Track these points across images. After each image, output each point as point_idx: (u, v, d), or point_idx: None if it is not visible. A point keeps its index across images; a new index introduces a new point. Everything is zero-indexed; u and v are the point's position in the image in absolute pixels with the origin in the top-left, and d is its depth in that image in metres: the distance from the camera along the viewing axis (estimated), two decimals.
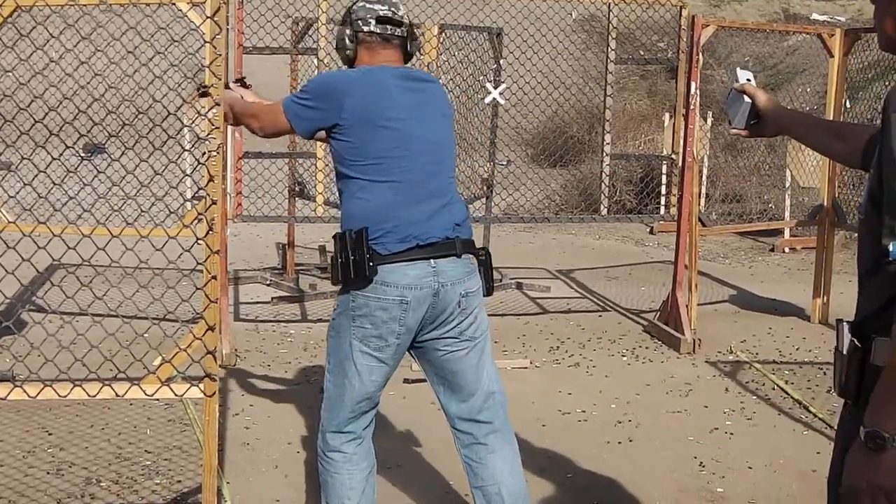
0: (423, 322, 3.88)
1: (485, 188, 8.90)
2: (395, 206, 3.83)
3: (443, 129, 4.03)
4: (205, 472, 4.01)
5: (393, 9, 4.08)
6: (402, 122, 3.90)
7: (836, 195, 8.68)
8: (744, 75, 3.37)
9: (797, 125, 3.29)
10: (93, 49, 4.18)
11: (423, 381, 5.86)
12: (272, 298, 8.90)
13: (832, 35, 8.48)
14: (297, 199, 9.39)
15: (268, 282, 9.55)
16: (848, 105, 8.55)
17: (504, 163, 10.13)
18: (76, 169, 4.13)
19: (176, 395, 4.00)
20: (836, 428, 2.67)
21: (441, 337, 3.93)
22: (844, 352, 2.48)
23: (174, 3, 5.09)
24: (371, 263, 3.75)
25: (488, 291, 4.08)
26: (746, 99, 3.30)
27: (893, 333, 2.29)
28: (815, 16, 21.51)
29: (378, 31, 4.05)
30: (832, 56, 8.45)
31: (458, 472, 4.83)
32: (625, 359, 7.48)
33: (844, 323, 2.50)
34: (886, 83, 9.09)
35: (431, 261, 3.83)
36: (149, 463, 5.27)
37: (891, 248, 2.29)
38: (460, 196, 4.13)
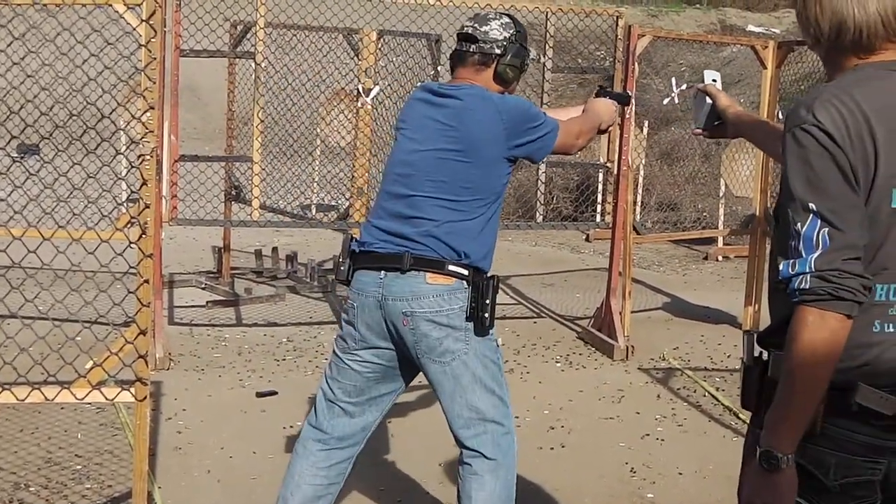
0: (391, 335, 3.89)
1: None
2: (372, 211, 4.05)
3: (432, 142, 3.90)
4: (135, 476, 3.98)
5: (476, 24, 4.03)
6: (401, 133, 4.05)
7: (769, 205, 8.79)
8: (710, 76, 3.38)
9: (754, 130, 3.33)
10: (26, 49, 4.14)
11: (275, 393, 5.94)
12: (207, 302, 8.85)
13: (766, 47, 8.60)
14: (233, 202, 9.35)
15: (203, 285, 9.49)
16: (780, 116, 8.65)
17: None
18: (8, 170, 4.09)
19: (107, 399, 3.97)
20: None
21: (416, 351, 3.88)
22: (747, 363, 2.55)
23: (111, 5, 5.05)
24: (342, 267, 3.98)
25: (471, 317, 3.84)
26: (708, 100, 3.33)
27: (785, 354, 2.35)
28: (750, 27, 21.78)
29: (455, 48, 4.08)
30: (765, 68, 8.56)
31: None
32: (558, 365, 7.53)
33: (747, 335, 2.57)
34: None
35: (382, 272, 3.85)
36: (79, 467, 5.22)
37: (781, 266, 2.35)
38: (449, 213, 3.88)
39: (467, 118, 3.89)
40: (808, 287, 2.28)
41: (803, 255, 2.30)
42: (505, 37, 4.00)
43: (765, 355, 2.52)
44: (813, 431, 2.38)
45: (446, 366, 3.86)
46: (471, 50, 4.01)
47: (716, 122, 3.35)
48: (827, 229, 2.28)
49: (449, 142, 3.89)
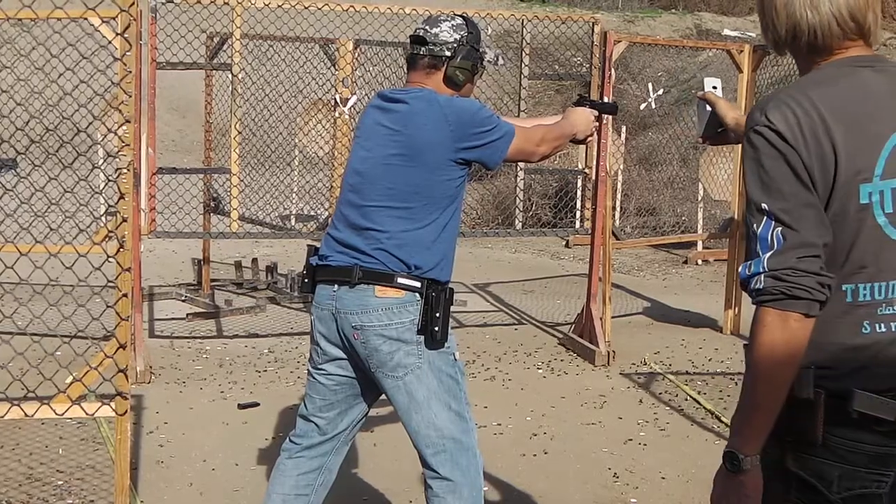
0: (346, 348, 3.86)
1: None
2: (332, 221, 3.98)
3: (380, 149, 3.84)
4: (117, 491, 3.98)
5: (427, 26, 3.94)
6: (355, 141, 4.01)
7: None
8: (710, 83, 3.35)
9: None
10: (1, 65, 4.13)
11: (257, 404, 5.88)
12: (187, 314, 8.83)
13: (741, 51, 8.64)
14: (211, 214, 9.33)
15: (183, 298, 9.47)
16: None
17: None
18: None
19: (87, 414, 3.96)
20: None
21: (369, 364, 3.82)
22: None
23: (86, 19, 5.04)
24: (306, 280, 3.95)
25: (422, 331, 3.76)
26: (709, 108, 3.30)
27: (746, 356, 2.35)
28: (726, 31, 21.85)
29: (409, 52, 4.00)
30: (741, 71, 8.60)
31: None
32: (540, 371, 7.54)
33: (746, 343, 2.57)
34: None
35: (335, 285, 3.81)
36: (60, 483, 5.20)
37: (740, 269, 2.36)
38: (402, 223, 3.81)
39: (411, 122, 3.82)
40: (762, 287, 2.28)
41: (760, 255, 2.30)
42: (455, 39, 3.91)
43: None
44: (814, 442, 2.36)
45: (399, 380, 3.80)
46: (421, 53, 3.93)
47: (718, 130, 3.33)
48: (780, 229, 2.29)
49: (394, 147, 3.82)
